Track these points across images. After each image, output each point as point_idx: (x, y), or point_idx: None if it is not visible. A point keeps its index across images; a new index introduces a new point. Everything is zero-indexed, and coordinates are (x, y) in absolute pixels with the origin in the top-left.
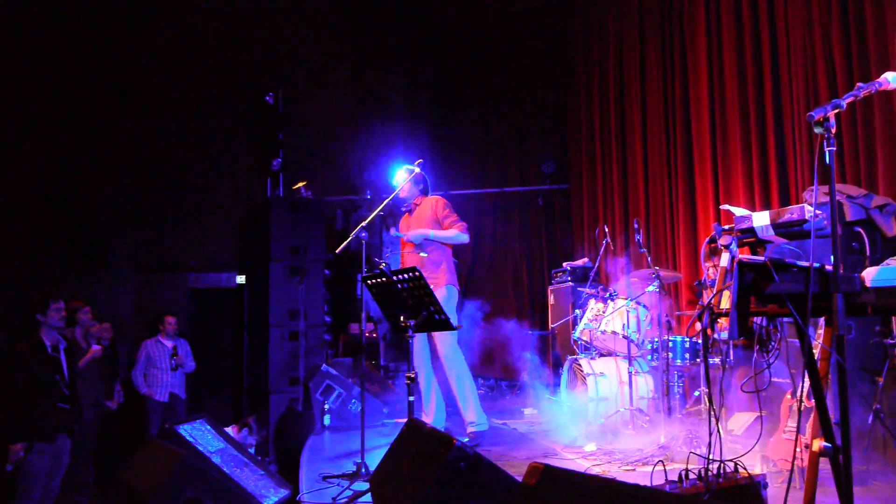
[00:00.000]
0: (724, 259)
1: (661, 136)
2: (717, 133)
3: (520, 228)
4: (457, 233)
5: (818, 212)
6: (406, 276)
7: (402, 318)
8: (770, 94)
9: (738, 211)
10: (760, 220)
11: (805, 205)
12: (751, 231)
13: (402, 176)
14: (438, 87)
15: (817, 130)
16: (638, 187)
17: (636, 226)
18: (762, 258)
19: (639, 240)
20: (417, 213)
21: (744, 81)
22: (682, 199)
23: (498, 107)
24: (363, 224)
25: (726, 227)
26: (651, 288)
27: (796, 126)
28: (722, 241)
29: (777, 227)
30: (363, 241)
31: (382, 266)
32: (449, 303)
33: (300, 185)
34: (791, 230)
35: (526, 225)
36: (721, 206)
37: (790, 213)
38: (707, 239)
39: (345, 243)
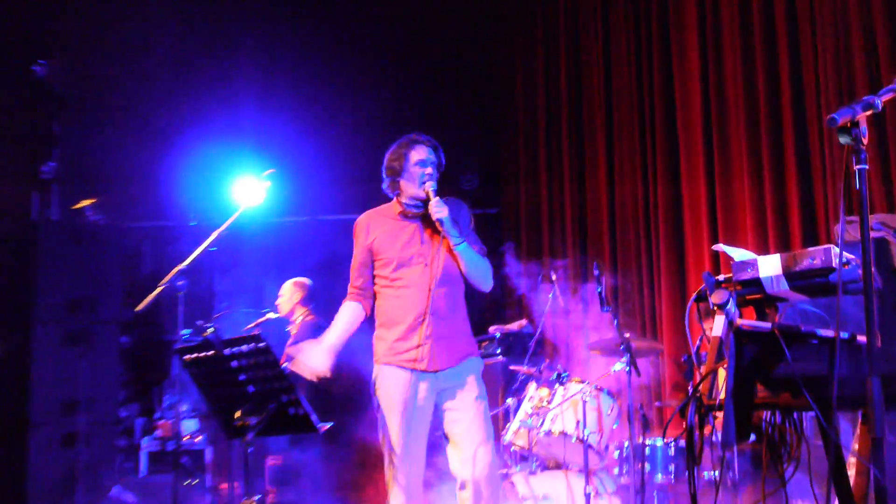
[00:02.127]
0: (718, 324)
1: (635, 145)
2: (713, 144)
3: None
4: (490, 266)
5: (849, 256)
6: (246, 347)
7: (237, 415)
8: (788, 92)
9: (738, 254)
10: (769, 267)
11: (832, 246)
12: (756, 283)
13: (250, 190)
14: (310, 64)
15: (843, 140)
16: (601, 216)
17: (597, 272)
18: (768, 325)
19: (601, 293)
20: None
21: (751, 76)
22: (663, 235)
23: (399, 96)
24: (182, 266)
25: (721, 277)
26: (618, 366)
27: (826, 136)
28: (715, 297)
29: (793, 277)
30: (180, 293)
31: (209, 332)
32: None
33: (86, 203)
34: (813, 282)
35: None
36: (714, 247)
37: (811, 257)
38: (694, 295)
39: (152, 295)
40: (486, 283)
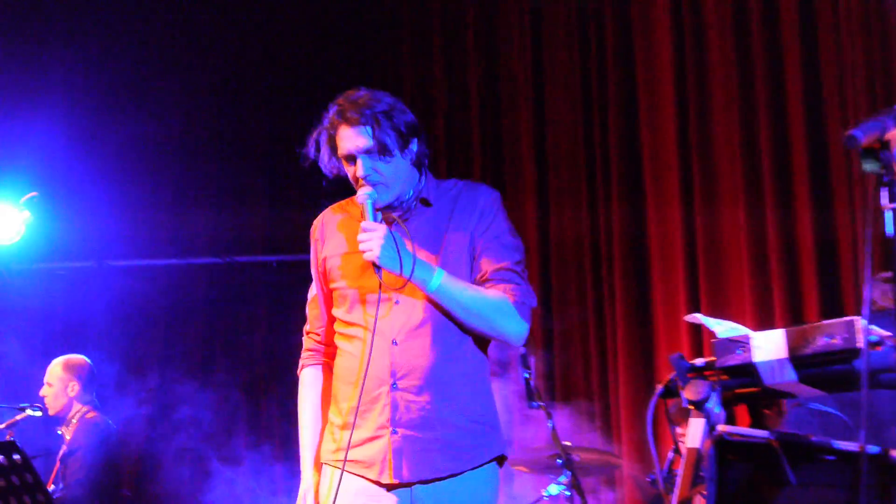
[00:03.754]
0: (695, 431)
1: (579, 159)
2: (691, 158)
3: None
4: (509, 302)
5: (881, 333)
6: None
7: None
8: (799, 86)
9: (723, 327)
10: (769, 347)
11: (858, 318)
12: (749, 371)
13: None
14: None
15: (867, 167)
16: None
17: (522, 350)
18: (765, 432)
19: (528, 380)
20: (424, 229)
21: (746, 63)
22: (620, 292)
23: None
24: None
25: (700, 361)
26: (554, 489)
27: (854, 161)
28: (689, 392)
29: (803, 362)
30: None
31: None
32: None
33: None
34: (830, 370)
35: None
36: (689, 317)
37: (828, 334)
38: (660, 387)
39: None
40: (502, 328)
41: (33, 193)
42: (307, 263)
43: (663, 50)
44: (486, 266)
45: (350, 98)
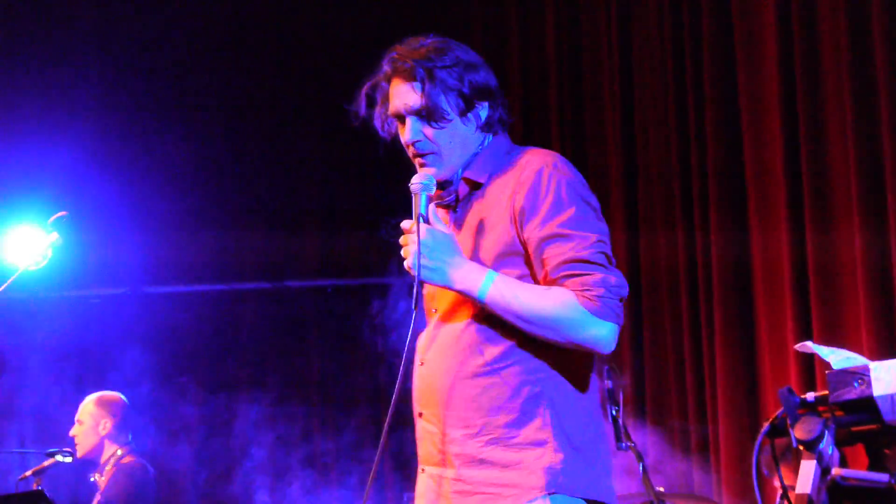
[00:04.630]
0: (806, 474)
1: (671, 167)
2: (801, 175)
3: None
4: (577, 303)
5: None
6: None
7: None
8: None
9: (838, 357)
10: (890, 378)
11: None
12: (867, 406)
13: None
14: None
15: None
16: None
17: (609, 381)
18: (886, 477)
19: (615, 417)
20: (471, 220)
21: (865, 84)
22: (719, 320)
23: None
24: None
25: (811, 395)
26: None
27: None
28: (800, 430)
29: None
30: None
31: None
32: None
33: None
34: None
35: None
36: (800, 346)
37: None
38: (766, 425)
39: None
40: (576, 335)
41: (62, 213)
42: (365, 288)
43: (768, 50)
44: (548, 261)
45: (410, 46)
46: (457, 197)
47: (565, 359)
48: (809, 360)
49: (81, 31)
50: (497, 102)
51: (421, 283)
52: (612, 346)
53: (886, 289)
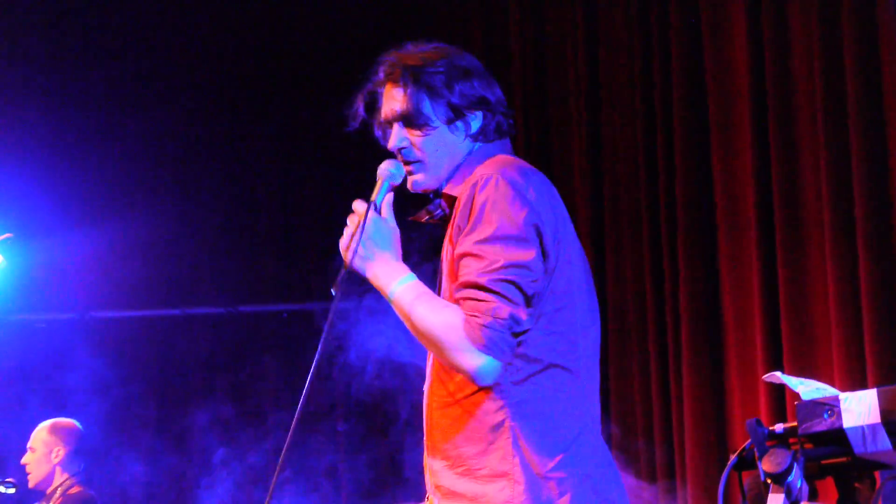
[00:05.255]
0: None
1: (641, 169)
2: (771, 197)
3: None
4: (459, 325)
5: None
6: None
7: None
8: None
9: (807, 387)
10: (861, 410)
11: None
12: (837, 438)
13: None
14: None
15: None
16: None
17: None
18: None
19: None
20: (445, 232)
21: (832, 51)
22: (686, 341)
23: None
24: None
25: (779, 427)
26: None
27: None
28: (768, 463)
29: None
30: None
31: None
32: None
33: None
34: None
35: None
36: (768, 376)
37: None
38: (734, 457)
39: None
40: (452, 359)
41: (7, 235)
42: (320, 314)
43: (739, 76)
44: (459, 279)
45: (404, 51)
46: (443, 212)
47: (534, 383)
48: (780, 389)
49: (29, 51)
50: (493, 112)
51: (348, 269)
52: (489, 380)
53: (857, 319)
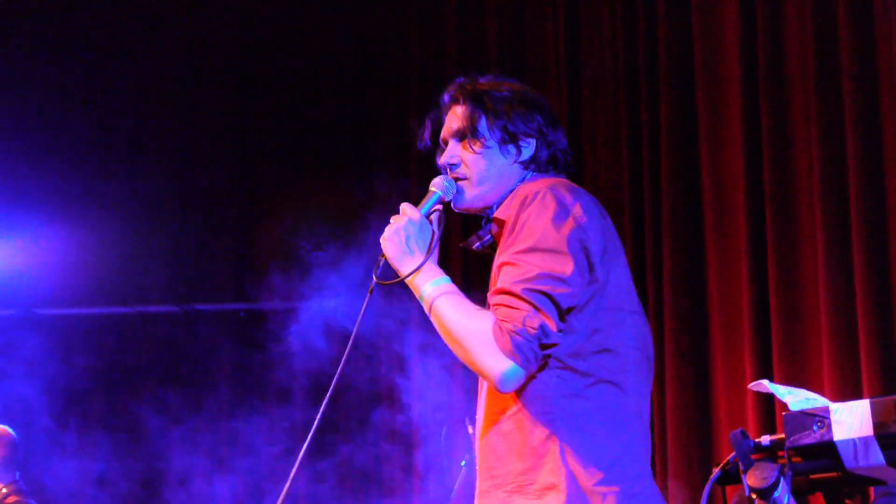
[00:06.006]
0: None
1: (625, 174)
2: (762, 197)
3: None
4: (489, 331)
5: None
6: None
7: None
8: None
9: (795, 397)
10: (852, 422)
11: None
12: (827, 451)
13: None
14: None
15: None
16: None
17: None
18: None
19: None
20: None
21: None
22: (672, 360)
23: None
24: None
25: (766, 439)
26: None
27: None
28: (752, 477)
29: (891, 440)
30: None
31: None
32: None
33: None
34: None
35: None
36: (754, 385)
37: None
38: (717, 470)
39: None
40: (479, 363)
41: None
42: (279, 313)
43: (731, 75)
44: (494, 288)
45: (472, 77)
46: (492, 238)
47: (585, 398)
48: (768, 399)
49: None
50: (548, 145)
51: (385, 258)
52: (510, 387)
53: (852, 325)
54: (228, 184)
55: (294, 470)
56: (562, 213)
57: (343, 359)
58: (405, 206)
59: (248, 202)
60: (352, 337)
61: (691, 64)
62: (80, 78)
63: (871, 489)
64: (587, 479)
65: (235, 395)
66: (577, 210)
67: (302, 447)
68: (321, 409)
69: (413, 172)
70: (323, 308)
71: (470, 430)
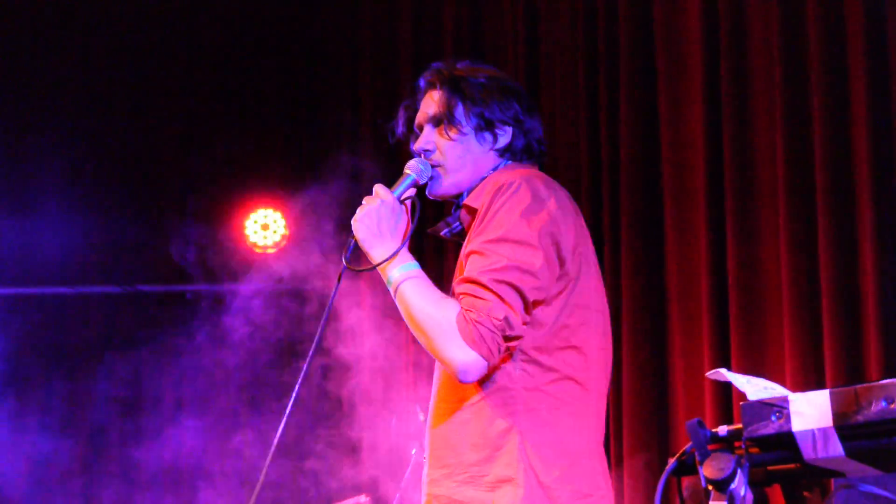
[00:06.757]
0: None
1: (580, 171)
2: (723, 181)
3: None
4: (452, 319)
5: None
6: None
7: None
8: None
9: (753, 386)
10: (811, 412)
11: None
12: (786, 442)
13: None
14: None
15: None
16: None
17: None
18: None
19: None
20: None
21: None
22: (629, 346)
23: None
24: None
25: (723, 429)
26: None
27: None
28: (709, 468)
29: (853, 432)
30: None
31: None
32: None
33: None
34: (885, 443)
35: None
36: (711, 373)
37: (885, 397)
38: (672, 461)
39: None
40: (441, 352)
41: None
42: (227, 294)
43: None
44: (469, 269)
45: (449, 63)
46: (461, 225)
47: (546, 392)
48: (726, 388)
49: None
50: (525, 134)
51: (355, 240)
52: (471, 377)
53: (814, 311)
54: (174, 160)
55: (268, 459)
56: (535, 205)
57: (315, 340)
58: (378, 188)
59: (196, 179)
60: (322, 321)
61: (652, 44)
62: (7, 60)
63: (831, 481)
64: (546, 474)
65: (182, 379)
66: (551, 204)
67: (276, 435)
68: (293, 393)
69: (366, 153)
70: (268, 289)
71: (421, 417)
